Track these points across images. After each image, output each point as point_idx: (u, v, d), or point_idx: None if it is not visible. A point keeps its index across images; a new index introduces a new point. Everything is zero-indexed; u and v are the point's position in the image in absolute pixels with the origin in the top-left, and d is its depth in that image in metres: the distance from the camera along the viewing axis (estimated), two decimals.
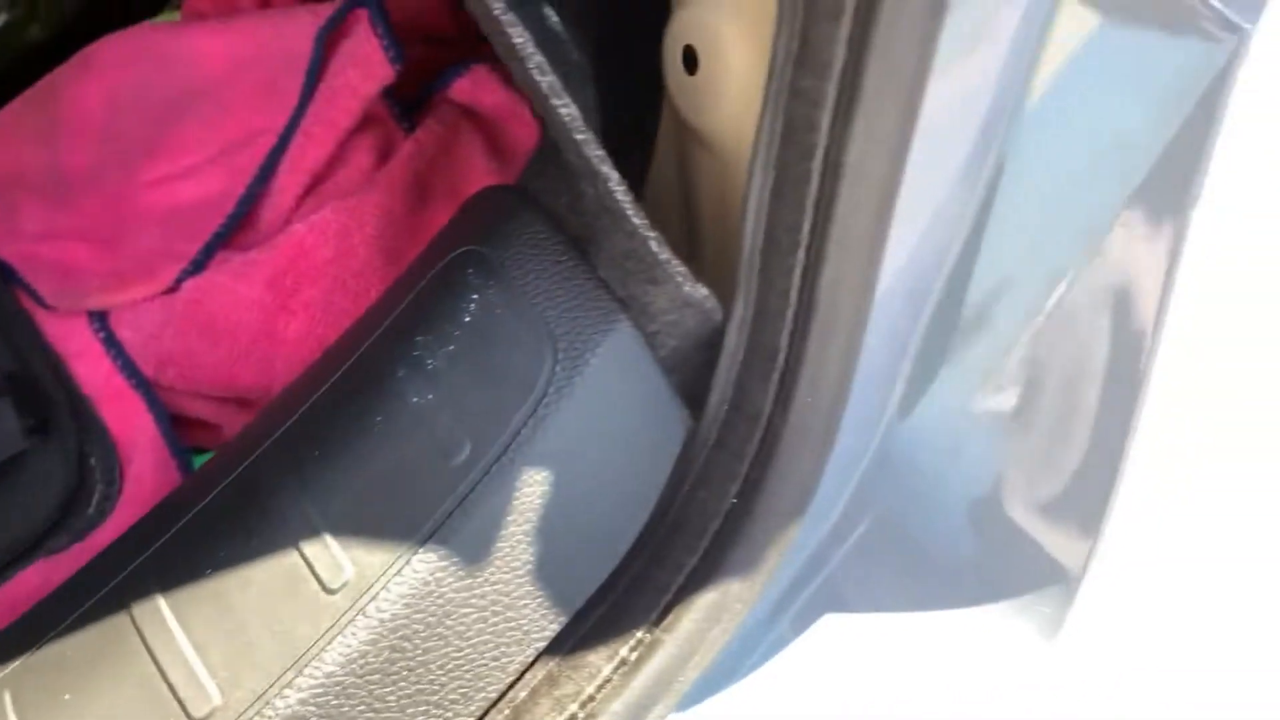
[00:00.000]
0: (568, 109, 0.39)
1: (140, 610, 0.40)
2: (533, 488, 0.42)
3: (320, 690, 0.39)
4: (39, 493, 0.58)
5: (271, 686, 0.39)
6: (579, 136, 0.39)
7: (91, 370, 0.59)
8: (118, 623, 0.40)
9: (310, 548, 0.41)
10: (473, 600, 0.41)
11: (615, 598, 0.44)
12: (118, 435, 0.59)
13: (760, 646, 0.44)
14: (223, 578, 0.40)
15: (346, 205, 0.57)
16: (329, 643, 0.39)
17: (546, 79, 0.39)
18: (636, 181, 0.53)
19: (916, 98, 0.36)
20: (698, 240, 0.49)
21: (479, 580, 0.41)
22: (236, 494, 0.43)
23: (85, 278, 0.60)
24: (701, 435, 0.45)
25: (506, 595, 0.42)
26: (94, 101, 0.63)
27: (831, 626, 0.44)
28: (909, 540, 0.46)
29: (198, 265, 0.60)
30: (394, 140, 0.63)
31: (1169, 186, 0.41)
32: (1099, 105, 0.44)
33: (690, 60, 0.43)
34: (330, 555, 0.40)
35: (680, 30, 0.43)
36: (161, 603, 0.40)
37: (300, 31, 0.61)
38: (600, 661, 0.43)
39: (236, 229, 0.61)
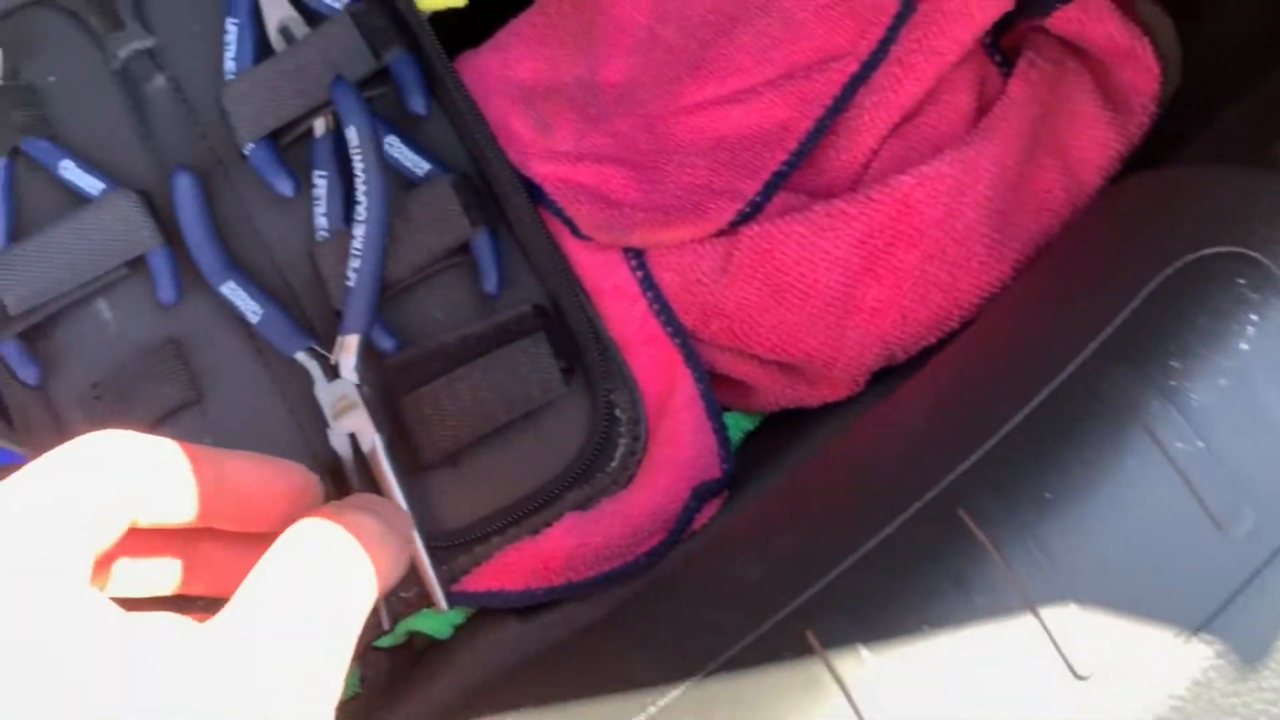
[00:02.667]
0: None
1: (837, 656, 0.34)
2: None
3: None
4: (558, 440, 0.54)
5: None
6: None
7: (623, 312, 0.54)
8: (810, 669, 0.34)
9: (1050, 615, 0.33)
10: (1239, 709, 0.33)
11: None
12: (646, 387, 0.54)
13: None
14: (937, 637, 0.33)
15: (962, 157, 0.48)
16: None
17: None
18: None
19: None
20: None
21: (1250, 684, 0.33)
22: (936, 525, 0.35)
23: (626, 210, 0.54)
24: None
25: (1275, 705, 0.33)
26: (636, 7, 0.56)
27: None
28: None
29: (755, 207, 0.52)
30: (988, 78, 0.53)
31: None
32: None
33: None
34: (1076, 630, 0.33)
35: None
36: (864, 652, 0.34)
37: None
38: None
39: (797, 168, 0.53)
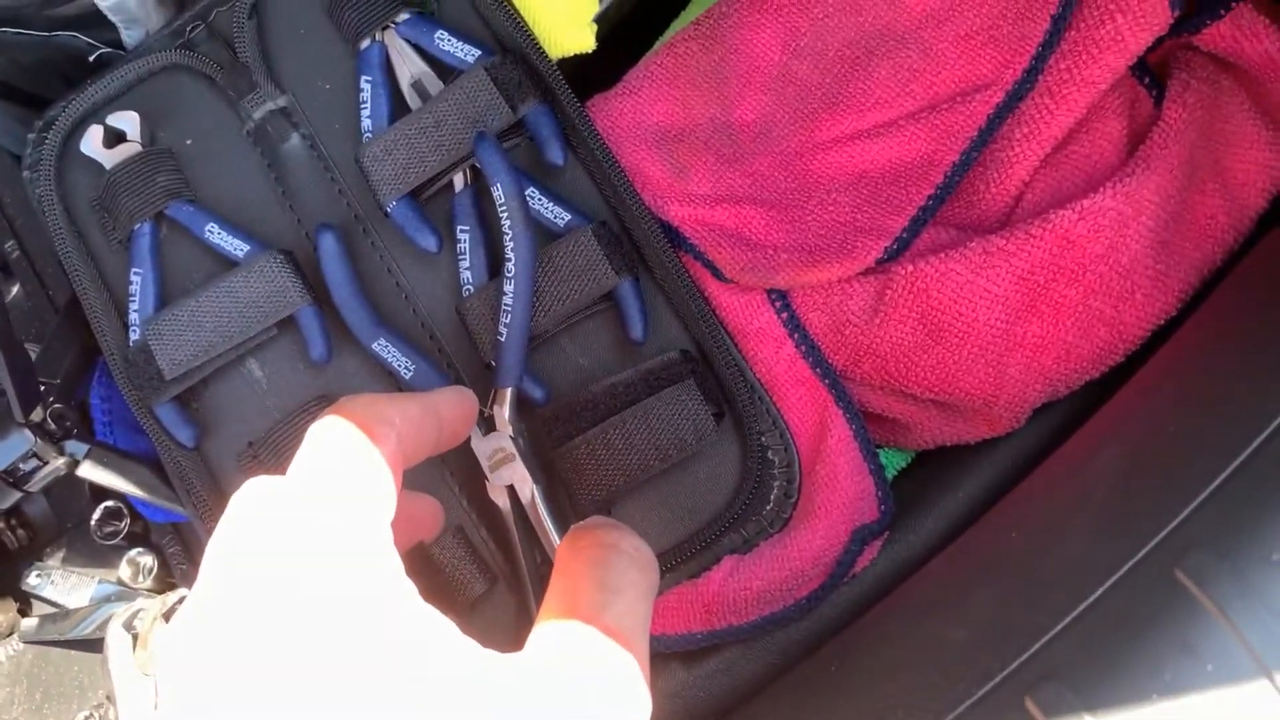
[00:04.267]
0: None
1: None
2: None
3: None
4: (712, 485, 0.54)
5: None
6: None
7: (770, 355, 0.54)
8: None
9: None
10: None
11: None
12: (798, 429, 0.53)
13: None
14: (1168, 704, 0.33)
15: (1124, 189, 0.47)
16: None
17: None
18: None
19: None
20: None
21: None
22: (1153, 587, 0.35)
23: (769, 252, 0.53)
24: None
25: None
26: (769, 44, 0.56)
27: None
28: None
29: (902, 244, 0.52)
30: (1138, 101, 0.52)
31: None
32: None
33: None
34: None
35: None
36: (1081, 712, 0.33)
37: None
38: None
39: (945, 202, 0.52)
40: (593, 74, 0.61)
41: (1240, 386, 0.38)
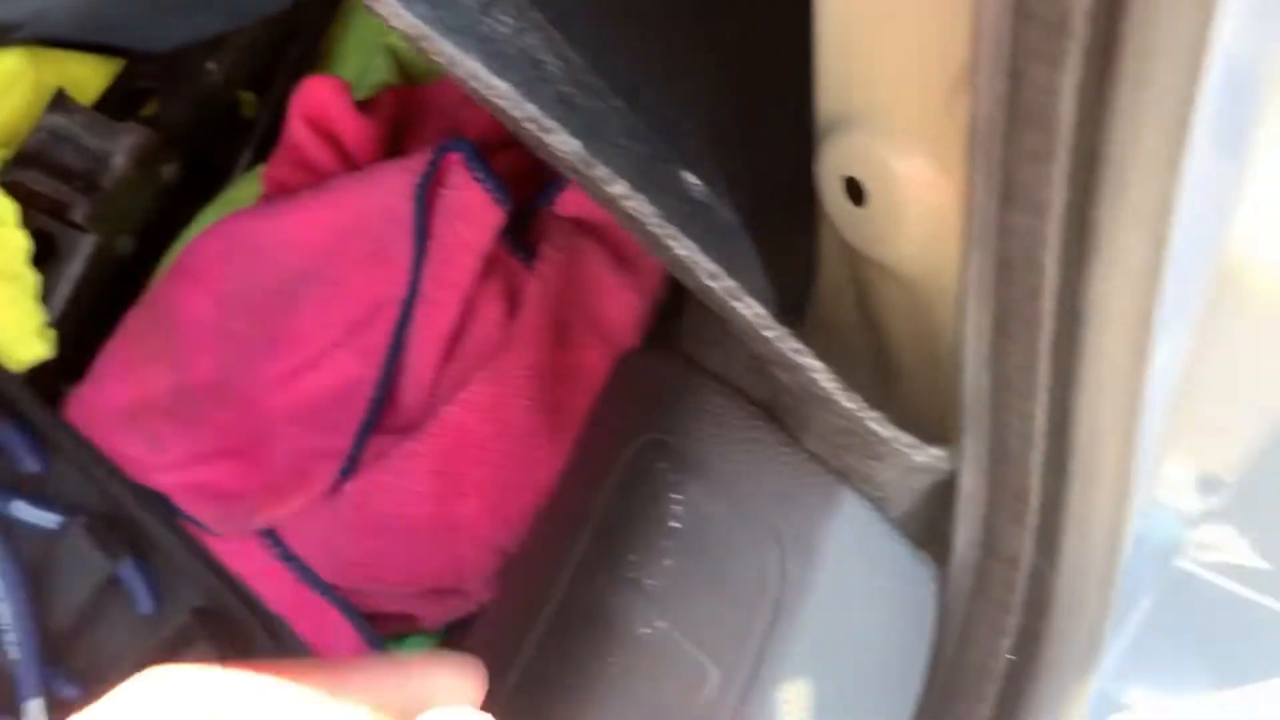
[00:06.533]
0: (750, 309, 0.34)
1: None
2: (792, 702, 0.38)
3: None
4: None
5: None
6: (768, 334, 0.35)
7: (276, 588, 0.58)
8: None
9: None
10: None
11: None
12: (320, 648, 0.57)
13: None
14: None
15: (492, 373, 0.54)
16: None
17: (722, 284, 0.34)
18: (798, 306, 0.48)
19: (1165, 230, 0.31)
20: (889, 364, 0.44)
21: None
22: None
23: (241, 499, 0.58)
24: (954, 584, 0.41)
25: None
26: (203, 309, 0.61)
27: None
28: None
29: (354, 461, 0.57)
30: (517, 276, 0.59)
31: None
32: None
33: (855, 191, 0.38)
34: None
35: (837, 162, 0.38)
36: None
37: (397, 190, 0.57)
38: None
39: (381, 413, 0.58)
40: (76, 368, 0.65)
41: (550, 543, 0.44)
